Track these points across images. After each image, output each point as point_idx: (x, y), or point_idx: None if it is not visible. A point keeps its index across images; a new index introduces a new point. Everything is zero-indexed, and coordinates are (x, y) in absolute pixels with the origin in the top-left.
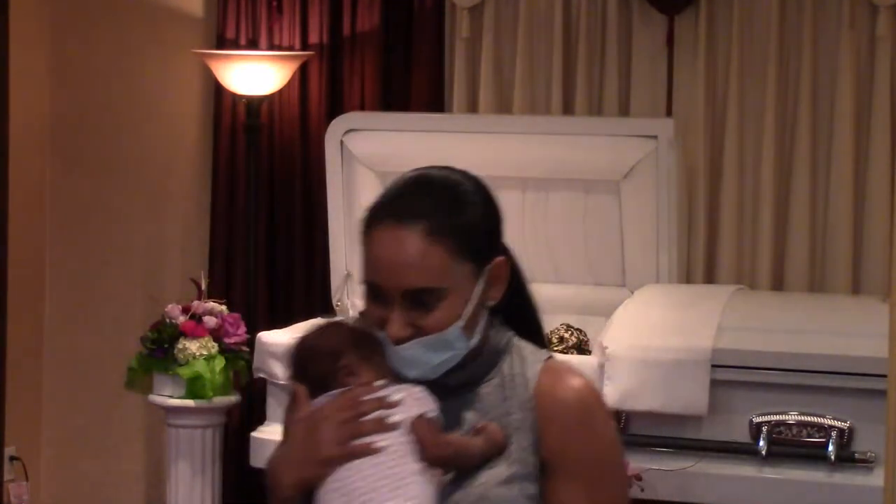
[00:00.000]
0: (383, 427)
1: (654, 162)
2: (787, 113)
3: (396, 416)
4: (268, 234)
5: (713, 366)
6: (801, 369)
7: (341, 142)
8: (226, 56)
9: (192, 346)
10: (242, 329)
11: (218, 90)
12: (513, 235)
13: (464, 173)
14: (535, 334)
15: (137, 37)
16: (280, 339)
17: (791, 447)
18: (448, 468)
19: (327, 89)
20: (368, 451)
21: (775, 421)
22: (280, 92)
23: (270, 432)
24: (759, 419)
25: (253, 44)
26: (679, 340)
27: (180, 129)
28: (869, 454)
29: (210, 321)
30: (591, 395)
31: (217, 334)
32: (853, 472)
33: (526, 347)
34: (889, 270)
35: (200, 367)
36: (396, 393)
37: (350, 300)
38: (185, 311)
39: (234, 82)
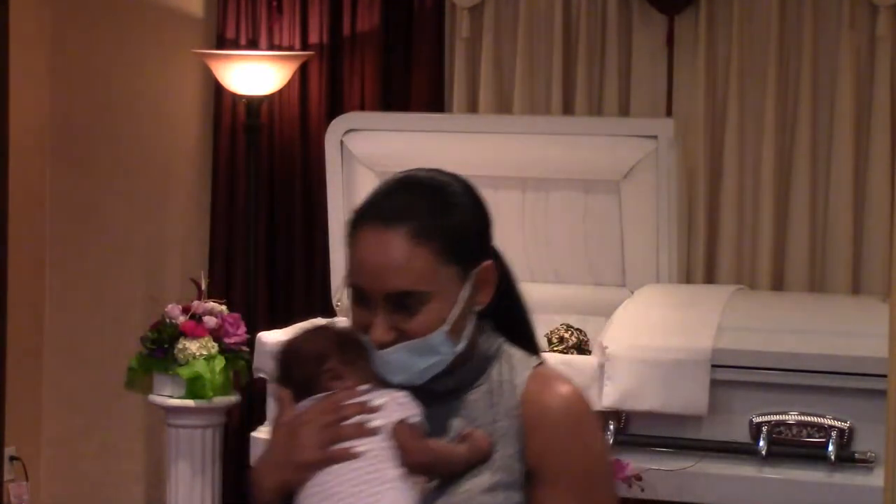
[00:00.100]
0: (363, 432)
1: (654, 162)
2: (787, 113)
3: (377, 420)
4: (268, 234)
5: (713, 366)
6: (801, 369)
7: (341, 142)
8: (226, 56)
9: (192, 346)
10: (242, 329)
11: (218, 90)
12: (513, 235)
13: (453, 176)
14: (527, 340)
15: (137, 37)
16: (280, 339)
17: (791, 447)
18: (430, 475)
19: (327, 89)
20: (347, 455)
21: (775, 421)
22: (280, 92)
23: (270, 432)
24: (759, 419)
25: (253, 44)
26: (679, 340)
27: (180, 129)
28: (869, 454)
29: (210, 321)
30: (579, 403)
31: (217, 334)
32: (853, 472)
33: (516, 354)
34: (889, 270)
35: (200, 367)
36: (379, 398)
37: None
38: (185, 311)
39: (234, 82)
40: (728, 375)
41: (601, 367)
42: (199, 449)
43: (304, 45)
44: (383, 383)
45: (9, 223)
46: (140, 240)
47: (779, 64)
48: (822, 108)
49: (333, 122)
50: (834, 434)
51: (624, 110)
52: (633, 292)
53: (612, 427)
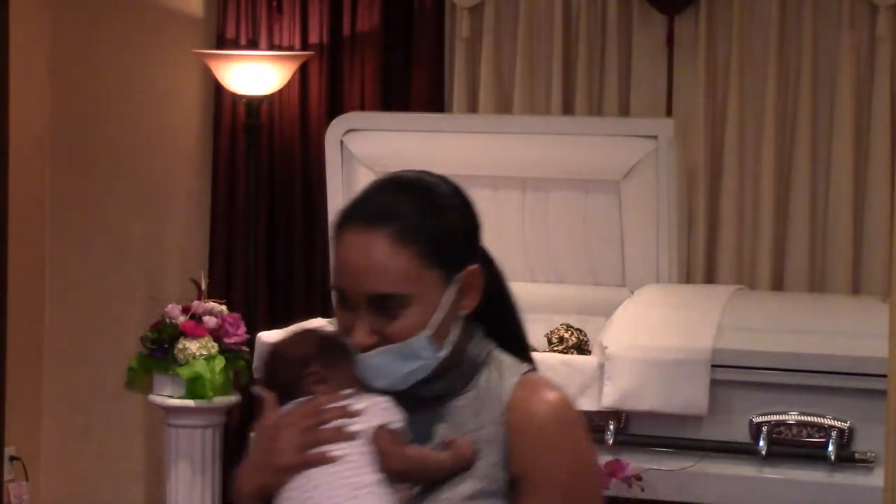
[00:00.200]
0: (342, 436)
1: (654, 162)
2: (787, 113)
3: (357, 425)
4: (268, 234)
5: (713, 366)
6: (801, 369)
7: (341, 142)
8: (226, 56)
9: (192, 346)
10: (242, 329)
11: (218, 90)
12: (513, 235)
13: (441, 178)
14: (518, 346)
15: (137, 37)
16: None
17: (791, 447)
18: (410, 481)
19: (327, 89)
20: (325, 459)
21: (775, 421)
22: (280, 92)
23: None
24: (759, 419)
25: (253, 44)
26: (679, 340)
27: (180, 129)
28: (869, 454)
29: (210, 321)
30: (566, 411)
31: (217, 334)
32: (853, 472)
33: (506, 360)
34: (889, 270)
35: (200, 367)
36: (360, 402)
37: None
38: (185, 311)
39: (234, 82)
40: (728, 375)
41: (601, 367)
42: (199, 449)
43: (304, 45)
44: (367, 388)
45: (9, 223)
46: (140, 240)
47: (779, 64)
48: (822, 108)
49: (333, 122)
50: (834, 434)
51: (624, 110)
52: (633, 292)
53: (612, 427)
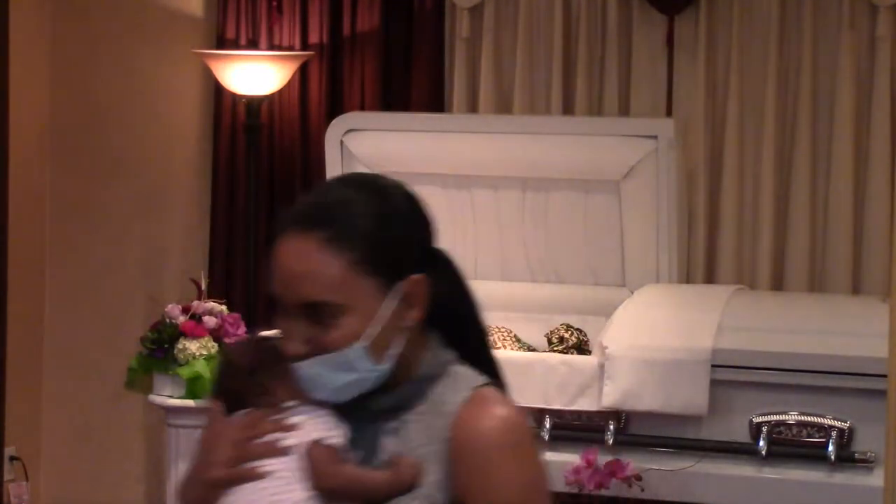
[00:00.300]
0: (273, 451)
1: (654, 162)
2: (787, 113)
3: (291, 439)
4: (268, 234)
5: (713, 366)
6: (801, 369)
7: (341, 142)
8: (226, 56)
9: (192, 346)
10: (242, 329)
11: (218, 90)
12: (513, 235)
13: (394, 183)
14: (480, 357)
15: (137, 37)
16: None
17: (791, 447)
18: (343, 501)
19: (327, 89)
20: (254, 475)
21: (775, 421)
22: (280, 92)
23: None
24: (759, 419)
25: (253, 44)
26: (679, 340)
27: (180, 129)
28: (869, 454)
29: (210, 321)
30: (514, 430)
31: (217, 334)
32: (853, 472)
33: (462, 373)
34: (889, 270)
35: (200, 367)
36: (298, 415)
37: None
38: (185, 311)
39: (234, 82)
40: (728, 375)
41: (601, 367)
42: None
43: (304, 45)
44: (311, 400)
45: (9, 223)
46: (140, 240)
47: (779, 64)
48: (822, 108)
49: (333, 122)
50: (834, 434)
51: (624, 110)
52: (633, 292)
53: (612, 427)
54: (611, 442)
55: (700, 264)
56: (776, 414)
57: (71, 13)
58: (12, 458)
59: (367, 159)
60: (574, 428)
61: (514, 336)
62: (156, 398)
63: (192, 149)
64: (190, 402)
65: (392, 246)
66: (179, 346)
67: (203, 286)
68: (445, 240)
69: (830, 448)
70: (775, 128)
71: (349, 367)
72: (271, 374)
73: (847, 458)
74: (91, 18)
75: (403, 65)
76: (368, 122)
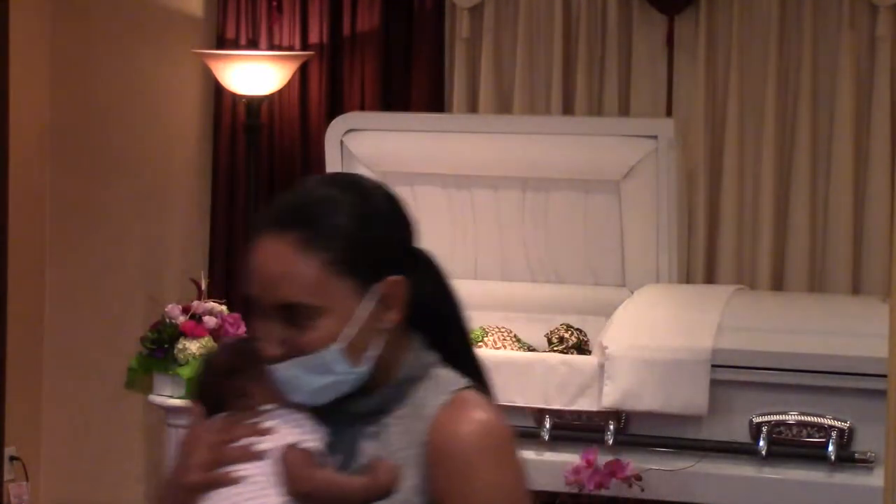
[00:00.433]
0: (248, 455)
1: (654, 162)
2: (787, 113)
3: (266, 444)
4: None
5: (713, 366)
6: (801, 369)
7: (341, 142)
8: (226, 56)
9: (192, 346)
10: (242, 329)
11: (218, 90)
12: (513, 235)
13: (374, 183)
14: (464, 359)
15: (137, 37)
16: None
17: (791, 447)
18: None
19: (327, 89)
20: (228, 480)
21: (775, 421)
22: (280, 92)
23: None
24: (759, 419)
25: (253, 44)
26: (679, 340)
27: (180, 129)
28: (869, 454)
29: (210, 321)
30: (493, 434)
31: (217, 334)
32: (853, 472)
33: (443, 375)
34: (889, 270)
35: None
36: (274, 419)
37: None
38: (185, 311)
39: (234, 82)
40: (728, 375)
41: (601, 367)
42: None
43: (304, 45)
44: (292, 403)
45: (9, 223)
46: (140, 240)
47: (779, 64)
48: (822, 107)
49: (333, 122)
50: (834, 434)
51: (624, 110)
52: (633, 292)
53: (612, 427)
54: (611, 442)
55: (700, 264)
56: (776, 414)
57: (71, 13)
58: (12, 458)
59: (367, 159)
60: (574, 428)
61: (514, 336)
62: (156, 398)
63: (192, 149)
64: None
65: (370, 246)
66: (179, 346)
67: (203, 286)
68: (445, 240)
69: (830, 448)
70: (775, 128)
71: (326, 370)
72: (250, 377)
73: (847, 458)
74: (91, 18)
75: (403, 65)
76: (368, 122)
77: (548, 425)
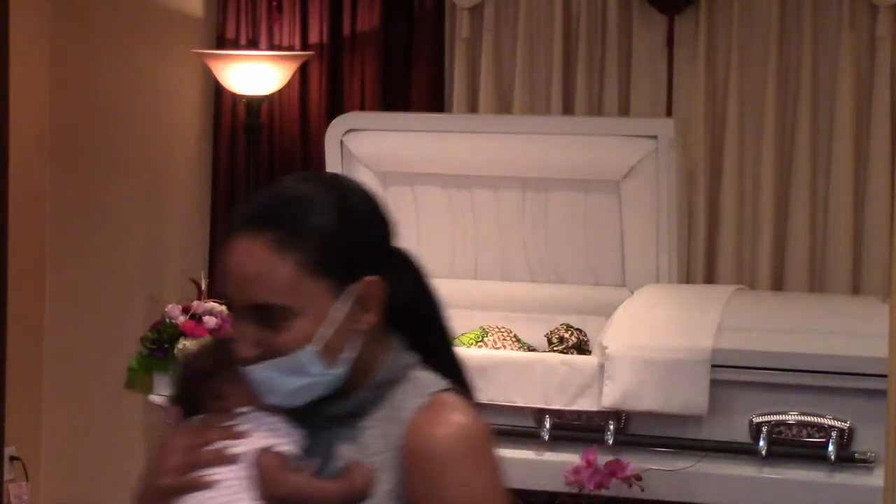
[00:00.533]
0: (221, 459)
1: (654, 162)
2: (787, 113)
3: (240, 447)
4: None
5: (713, 366)
6: (801, 369)
7: (341, 142)
8: (226, 56)
9: (193, 347)
10: None
11: (218, 90)
12: (513, 235)
13: (351, 182)
14: (444, 359)
15: (137, 37)
16: None
17: (791, 447)
18: None
19: (327, 89)
20: (201, 484)
21: (775, 421)
22: (280, 92)
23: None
24: (759, 419)
25: (253, 44)
26: (679, 340)
27: (180, 129)
28: (869, 454)
29: (210, 321)
30: (470, 437)
31: (217, 334)
32: (853, 472)
33: (422, 377)
34: (889, 270)
35: None
36: (248, 422)
37: None
38: (185, 311)
39: (234, 82)
40: (728, 375)
41: (601, 367)
42: None
43: (304, 45)
44: (268, 405)
45: (9, 223)
46: (140, 240)
47: (779, 64)
48: (822, 107)
49: (333, 122)
50: (834, 434)
51: (624, 110)
52: (633, 292)
53: (612, 427)
54: (611, 442)
55: (700, 264)
56: (776, 414)
57: (71, 13)
58: (12, 458)
59: (367, 159)
60: (574, 428)
61: (514, 336)
62: (156, 398)
63: (192, 149)
64: None
65: (345, 246)
66: (179, 346)
67: (203, 286)
68: (445, 240)
69: (830, 448)
70: (775, 128)
71: (301, 371)
72: (226, 378)
73: (847, 458)
74: (91, 18)
75: (403, 65)
76: (368, 122)
77: (548, 425)
